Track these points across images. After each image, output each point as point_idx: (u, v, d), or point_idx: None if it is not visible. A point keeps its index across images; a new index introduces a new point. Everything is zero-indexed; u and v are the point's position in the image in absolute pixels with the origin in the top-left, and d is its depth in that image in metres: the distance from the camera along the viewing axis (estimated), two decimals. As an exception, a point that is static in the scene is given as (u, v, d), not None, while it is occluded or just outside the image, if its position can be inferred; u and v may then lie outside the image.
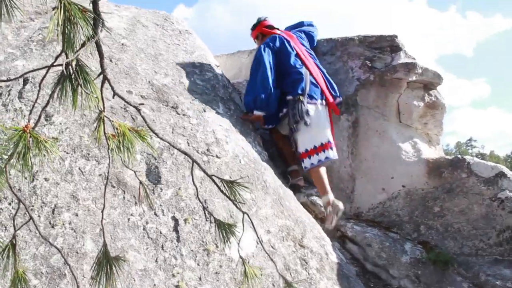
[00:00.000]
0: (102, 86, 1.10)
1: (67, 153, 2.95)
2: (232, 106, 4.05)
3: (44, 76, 1.08)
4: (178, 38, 4.53)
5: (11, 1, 0.89)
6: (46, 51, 3.75)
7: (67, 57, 1.02)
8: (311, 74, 4.13)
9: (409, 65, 4.24)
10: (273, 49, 4.18)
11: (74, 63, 1.00)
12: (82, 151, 3.00)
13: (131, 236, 2.69)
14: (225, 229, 1.26)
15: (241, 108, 4.24)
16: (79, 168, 2.92)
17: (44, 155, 1.03)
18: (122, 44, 3.94)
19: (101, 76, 1.09)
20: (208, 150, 3.27)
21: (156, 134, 1.15)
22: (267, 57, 4.09)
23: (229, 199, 1.20)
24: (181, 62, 4.11)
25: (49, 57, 3.67)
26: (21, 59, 3.61)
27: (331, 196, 3.81)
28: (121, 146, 1.10)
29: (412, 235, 3.95)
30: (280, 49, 4.22)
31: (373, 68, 4.41)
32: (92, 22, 0.97)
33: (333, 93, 4.19)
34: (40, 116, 1.06)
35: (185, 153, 1.18)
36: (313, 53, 4.43)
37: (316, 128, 3.98)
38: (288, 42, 4.28)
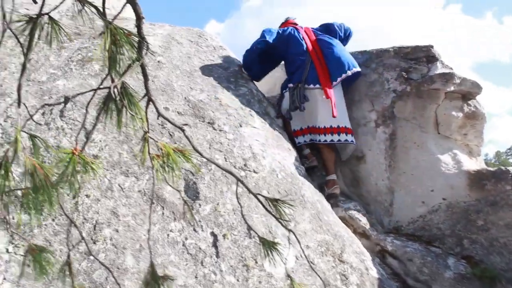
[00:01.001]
0: (147, 108, 1.11)
1: (107, 170, 3.01)
2: (268, 121, 4.05)
3: (91, 98, 1.11)
4: (212, 54, 4.58)
5: (60, 27, 0.91)
6: (85, 70, 3.85)
7: (112, 80, 1.04)
8: (313, 61, 4.41)
9: (446, 76, 4.15)
10: (278, 35, 4.65)
11: (119, 85, 1.02)
12: (121, 167, 3.05)
13: (170, 252, 2.71)
14: (269, 246, 1.25)
15: (276, 122, 4.24)
16: (119, 185, 2.96)
17: (91, 176, 1.05)
18: (158, 61, 4.01)
19: (146, 98, 1.10)
20: (245, 165, 3.28)
21: (200, 154, 1.15)
22: (260, 38, 4.66)
23: (275, 217, 1.19)
24: (216, 78, 4.15)
25: (88, 76, 3.77)
26: (62, 79, 3.72)
27: (334, 177, 4.28)
28: (165, 166, 1.11)
29: (455, 249, 3.82)
30: (288, 38, 4.59)
31: (409, 79, 4.34)
32: (137, 45, 0.98)
33: (338, 73, 4.34)
34: (87, 140, 1.08)
35: (229, 172, 1.18)
36: (327, 39, 4.54)
37: (307, 112, 4.32)
38: (298, 32, 4.63)
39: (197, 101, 3.67)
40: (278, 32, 4.69)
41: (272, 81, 5.63)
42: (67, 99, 3.82)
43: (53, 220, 2.66)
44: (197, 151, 1.15)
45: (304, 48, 4.49)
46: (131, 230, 2.73)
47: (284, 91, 4.56)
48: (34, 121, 2.95)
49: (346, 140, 4.28)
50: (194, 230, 2.85)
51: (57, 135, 3.21)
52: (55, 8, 0.99)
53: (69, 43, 4.40)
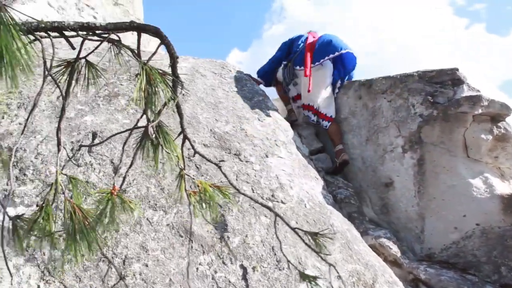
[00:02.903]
0: (182, 145, 1.11)
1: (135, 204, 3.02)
2: (294, 150, 4.04)
3: (128, 138, 1.12)
4: (236, 85, 4.62)
5: (96, 69, 0.93)
6: (112, 106, 3.91)
7: (147, 118, 1.05)
8: (305, 48, 5.20)
9: (473, 98, 4.09)
10: (290, 39, 5.59)
11: (154, 124, 1.02)
12: (149, 201, 3.06)
13: (200, 286, 2.68)
14: (309, 280, 1.22)
15: (302, 152, 4.23)
16: (147, 219, 2.97)
17: (129, 216, 1.05)
18: (183, 94, 4.06)
19: (181, 136, 1.11)
20: (273, 195, 3.26)
21: (237, 189, 1.15)
22: (279, 49, 5.64)
23: (315, 251, 1.17)
24: (241, 109, 4.18)
25: (114, 111, 3.83)
26: (89, 115, 3.79)
27: (341, 146, 4.88)
28: (202, 202, 1.11)
29: (492, 277, 3.68)
30: (295, 39, 5.51)
31: (435, 103, 4.29)
32: (171, 84, 0.99)
33: (324, 54, 5.09)
34: (124, 178, 1.09)
35: (267, 207, 1.17)
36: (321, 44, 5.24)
37: (302, 89, 5.25)
38: (303, 37, 5.51)
39: (222, 133, 3.68)
40: (284, 43, 5.63)
41: (296, 112, 5.64)
42: (94, 135, 3.87)
43: (82, 255, 2.67)
44: (234, 186, 1.15)
45: (303, 39, 5.42)
46: (161, 265, 2.72)
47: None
48: (73, 162, 3.00)
49: (318, 123, 5.11)
50: (223, 263, 2.82)
51: (85, 170, 3.26)
52: (91, 52, 1.01)
53: (96, 78, 4.51)
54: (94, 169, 3.25)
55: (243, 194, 1.16)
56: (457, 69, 4.39)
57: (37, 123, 3.45)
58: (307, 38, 5.40)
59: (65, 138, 3.50)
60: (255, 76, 5.61)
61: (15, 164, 3.25)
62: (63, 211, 1.08)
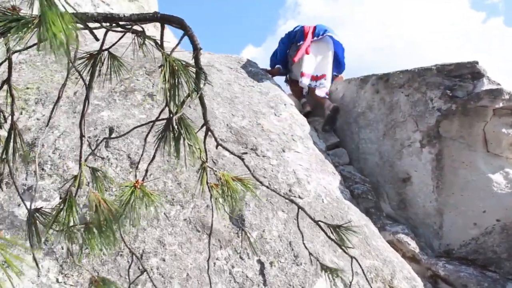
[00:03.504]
0: (205, 138, 1.10)
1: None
2: (310, 145, 4.01)
3: (150, 130, 1.10)
4: (252, 80, 4.60)
5: (120, 62, 0.92)
6: (128, 101, 3.92)
7: (170, 111, 1.03)
8: (305, 31, 5.94)
9: (494, 92, 4.01)
10: (289, 32, 6.26)
11: (178, 116, 1.01)
12: (166, 196, 3.06)
13: (217, 281, 2.67)
14: (331, 273, 1.20)
15: (319, 147, 4.20)
16: (164, 214, 2.97)
17: (152, 209, 1.04)
18: (202, 83, 4.05)
19: (204, 128, 1.09)
20: (290, 190, 3.24)
21: (261, 182, 1.13)
22: (281, 41, 6.31)
23: (338, 244, 1.15)
24: (257, 104, 4.16)
25: (131, 107, 3.84)
26: (106, 110, 3.80)
27: (328, 102, 5.46)
28: (225, 195, 1.09)
29: (513, 274, 3.63)
30: (293, 31, 6.16)
31: (454, 98, 4.22)
32: (195, 76, 0.98)
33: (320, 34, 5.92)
34: (146, 172, 1.08)
35: (290, 200, 1.15)
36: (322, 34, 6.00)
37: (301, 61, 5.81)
38: (302, 27, 6.12)
39: (239, 128, 3.67)
40: (282, 38, 6.34)
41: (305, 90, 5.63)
42: (111, 130, 3.88)
43: (100, 250, 2.68)
44: (256, 179, 1.13)
45: (300, 27, 6.08)
46: (178, 259, 2.72)
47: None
48: (95, 155, 3.01)
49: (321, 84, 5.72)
50: (241, 258, 2.81)
51: (103, 165, 3.27)
52: (113, 44, 1.00)
53: (112, 74, 4.52)
54: (111, 163, 3.27)
55: (266, 186, 1.14)
56: (477, 62, 4.31)
57: (54, 118, 3.47)
58: (303, 26, 6.11)
59: (82, 124, 3.52)
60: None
61: (33, 159, 3.27)
62: (89, 202, 1.08)
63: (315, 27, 5.98)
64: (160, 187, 3.10)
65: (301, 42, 5.84)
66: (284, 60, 6.25)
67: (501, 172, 4.02)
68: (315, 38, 5.87)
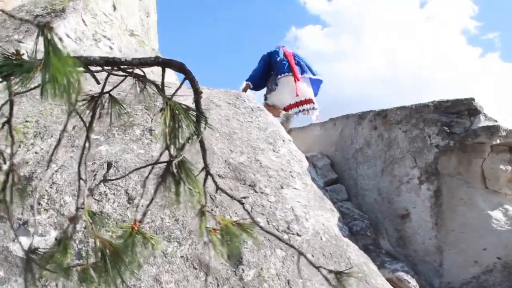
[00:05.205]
0: (205, 182, 1.10)
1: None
2: (309, 181, 4.00)
3: (149, 174, 1.10)
4: (250, 116, 4.62)
5: (120, 105, 0.93)
6: (127, 136, 3.92)
7: (169, 154, 1.03)
8: (289, 61, 6.64)
9: (491, 128, 4.04)
10: (268, 53, 6.94)
11: (177, 160, 1.01)
12: (164, 233, 3.03)
13: (215, 321, 2.62)
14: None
15: (317, 183, 4.19)
16: (161, 251, 2.93)
17: (151, 251, 1.03)
18: (203, 127, 4.06)
19: (204, 171, 1.09)
20: (288, 228, 3.21)
21: (260, 227, 1.12)
22: (261, 60, 6.96)
23: (338, 293, 1.13)
24: (255, 139, 4.16)
25: (129, 141, 3.84)
26: (104, 144, 3.79)
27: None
28: (224, 240, 1.08)
29: (516, 314, 3.57)
30: (273, 53, 6.89)
31: (452, 134, 4.24)
32: (195, 120, 0.98)
33: (304, 71, 6.73)
34: (145, 214, 1.07)
35: (290, 245, 1.14)
36: (300, 62, 6.83)
37: (282, 93, 6.62)
38: (280, 49, 6.90)
39: (237, 164, 3.66)
40: (265, 54, 6.96)
41: (311, 140, 5.62)
42: (109, 165, 3.87)
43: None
44: (256, 224, 1.12)
45: (281, 54, 6.76)
46: (175, 298, 2.67)
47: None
48: (92, 197, 2.99)
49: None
50: (238, 296, 2.76)
51: (100, 200, 3.25)
52: (114, 87, 1.01)
53: (120, 113, 4.54)
54: (109, 199, 3.24)
55: (267, 231, 1.12)
56: (473, 99, 4.35)
57: (52, 153, 3.46)
58: (283, 52, 6.83)
59: (80, 168, 3.50)
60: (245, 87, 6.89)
61: (30, 193, 3.25)
62: (94, 245, 1.07)
63: (293, 56, 6.82)
64: (158, 224, 3.07)
65: (282, 75, 6.59)
66: (258, 78, 6.93)
67: (500, 208, 4.00)
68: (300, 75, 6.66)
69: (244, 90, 6.71)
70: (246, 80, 6.94)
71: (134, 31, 7.50)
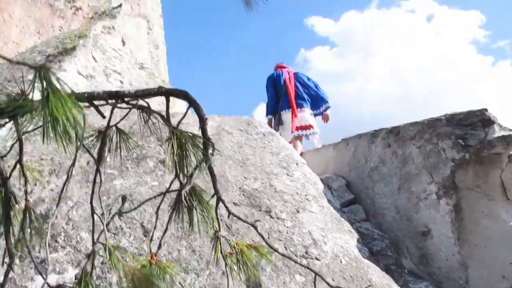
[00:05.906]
0: (216, 207, 1.09)
1: (168, 267, 2.96)
2: (325, 204, 3.96)
3: (161, 202, 1.10)
4: (262, 141, 4.62)
5: (127, 136, 0.93)
6: (141, 168, 3.94)
7: (180, 182, 1.03)
8: (288, 95, 7.01)
9: (507, 138, 3.96)
10: (272, 78, 7.32)
11: (188, 188, 1.00)
12: (181, 264, 3.00)
13: None
14: None
15: (334, 204, 4.15)
16: (179, 282, 2.90)
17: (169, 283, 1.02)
18: (210, 153, 4.07)
19: (215, 197, 1.08)
20: (306, 252, 3.16)
21: (275, 249, 1.10)
22: (269, 86, 7.34)
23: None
24: (269, 165, 4.15)
25: (143, 174, 3.85)
26: (118, 178, 3.81)
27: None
28: (239, 264, 1.06)
29: (549, 330, 3.43)
30: (276, 78, 7.28)
31: (467, 146, 4.17)
32: (202, 147, 0.98)
33: (304, 104, 7.10)
34: (160, 246, 1.06)
35: (308, 268, 1.11)
36: (302, 81, 7.32)
37: (286, 129, 6.99)
38: (282, 75, 7.27)
39: (252, 190, 3.64)
40: (269, 78, 7.35)
41: (325, 162, 5.58)
42: (124, 199, 3.87)
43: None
44: (271, 247, 1.10)
45: (283, 86, 7.12)
46: (195, 331, 2.62)
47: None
48: (109, 231, 3.00)
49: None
50: (260, 325, 2.71)
51: (116, 234, 3.24)
52: (120, 120, 1.01)
53: (127, 145, 4.58)
54: (125, 233, 3.24)
55: (282, 254, 1.11)
56: (486, 110, 4.29)
57: (67, 189, 3.48)
58: (284, 79, 7.19)
59: (95, 203, 3.52)
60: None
61: (47, 231, 3.25)
62: (119, 278, 1.06)
63: (294, 75, 7.31)
64: (175, 255, 3.05)
65: (283, 112, 7.07)
66: (274, 104, 7.25)
67: (524, 220, 3.90)
68: (298, 109, 7.03)
69: (270, 124, 7.03)
70: (267, 115, 7.33)
71: (143, 64, 7.62)
